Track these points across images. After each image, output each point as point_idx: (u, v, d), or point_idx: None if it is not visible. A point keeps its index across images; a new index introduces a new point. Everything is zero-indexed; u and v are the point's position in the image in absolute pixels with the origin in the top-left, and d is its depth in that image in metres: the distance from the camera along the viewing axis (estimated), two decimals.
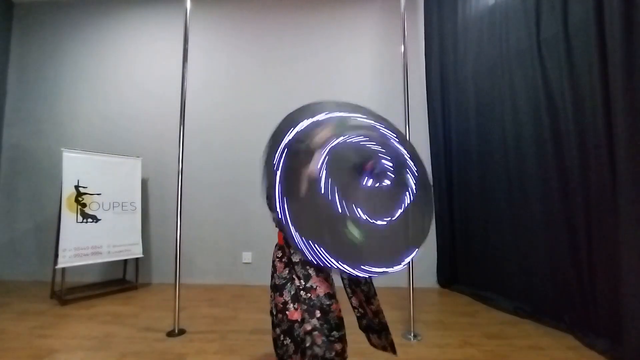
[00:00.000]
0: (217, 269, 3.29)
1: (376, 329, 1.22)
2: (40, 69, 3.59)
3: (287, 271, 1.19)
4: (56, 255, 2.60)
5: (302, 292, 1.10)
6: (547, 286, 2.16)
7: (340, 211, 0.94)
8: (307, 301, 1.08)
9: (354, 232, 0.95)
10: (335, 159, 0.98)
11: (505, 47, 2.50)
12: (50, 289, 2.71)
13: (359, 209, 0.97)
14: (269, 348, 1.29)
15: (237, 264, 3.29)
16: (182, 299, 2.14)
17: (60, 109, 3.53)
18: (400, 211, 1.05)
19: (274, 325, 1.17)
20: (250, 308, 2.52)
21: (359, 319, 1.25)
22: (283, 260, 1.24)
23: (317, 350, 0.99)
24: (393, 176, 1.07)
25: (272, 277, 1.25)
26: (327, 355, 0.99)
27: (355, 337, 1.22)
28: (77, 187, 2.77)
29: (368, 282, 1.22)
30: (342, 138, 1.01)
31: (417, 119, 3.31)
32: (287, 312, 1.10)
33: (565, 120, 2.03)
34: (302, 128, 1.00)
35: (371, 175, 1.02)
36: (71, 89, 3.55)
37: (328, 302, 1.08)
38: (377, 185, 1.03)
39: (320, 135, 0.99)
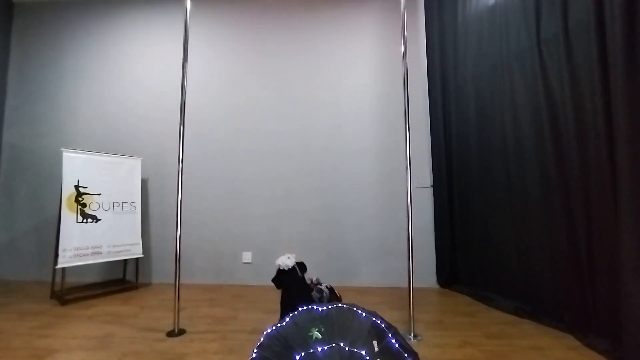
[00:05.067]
0: (217, 269, 3.29)
1: None
2: (40, 69, 3.60)
3: None
4: (56, 255, 2.60)
5: None
6: (547, 286, 2.16)
7: None
8: None
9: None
10: None
11: (505, 47, 2.50)
12: (50, 289, 2.71)
13: None
14: None
15: (237, 264, 3.29)
16: (182, 299, 2.14)
17: (60, 109, 3.54)
18: None
19: None
20: (250, 308, 2.52)
21: None
22: None
23: None
24: None
25: None
26: None
27: None
28: (77, 187, 2.76)
29: None
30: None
31: (417, 119, 3.32)
32: None
33: (565, 120, 2.03)
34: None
35: None
36: (71, 89, 3.55)
37: None
38: None
39: None
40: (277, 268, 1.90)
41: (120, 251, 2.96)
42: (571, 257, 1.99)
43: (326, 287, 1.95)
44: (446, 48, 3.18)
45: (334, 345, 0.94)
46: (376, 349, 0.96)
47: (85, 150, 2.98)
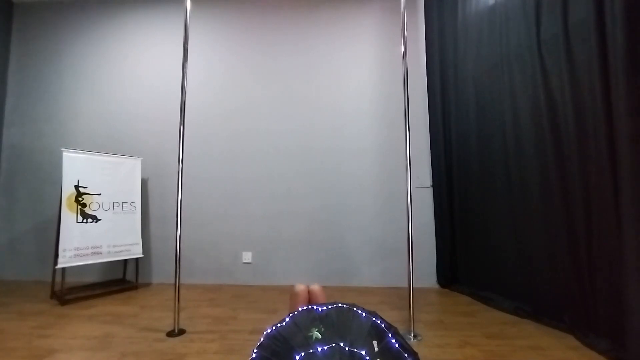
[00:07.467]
0: (217, 269, 3.29)
1: None
2: (40, 69, 3.60)
3: None
4: (56, 255, 2.60)
5: None
6: (547, 286, 2.16)
7: None
8: None
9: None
10: None
11: (505, 47, 2.50)
12: (50, 289, 2.71)
13: None
14: None
15: (237, 264, 3.29)
16: (182, 299, 2.14)
17: (60, 109, 3.54)
18: None
19: None
20: (250, 308, 2.52)
21: None
22: None
23: None
24: None
25: None
26: None
27: None
28: (77, 187, 2.76)
29: None
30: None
31: (417, 119, 3.32)
32: None
33: (565, 120, 2.03)
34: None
35: None
36: (71, 89, 3.55)
37: None
38: None
39: None
40: None
41: (120, 251, 2.96)
42: (571, 257, 1.99)
43: None
44: (446, 48, 3.18)
45: (334, 345, 0.95)
46: (376, 349, 0.97)
47: (86, 150, 2.99)
